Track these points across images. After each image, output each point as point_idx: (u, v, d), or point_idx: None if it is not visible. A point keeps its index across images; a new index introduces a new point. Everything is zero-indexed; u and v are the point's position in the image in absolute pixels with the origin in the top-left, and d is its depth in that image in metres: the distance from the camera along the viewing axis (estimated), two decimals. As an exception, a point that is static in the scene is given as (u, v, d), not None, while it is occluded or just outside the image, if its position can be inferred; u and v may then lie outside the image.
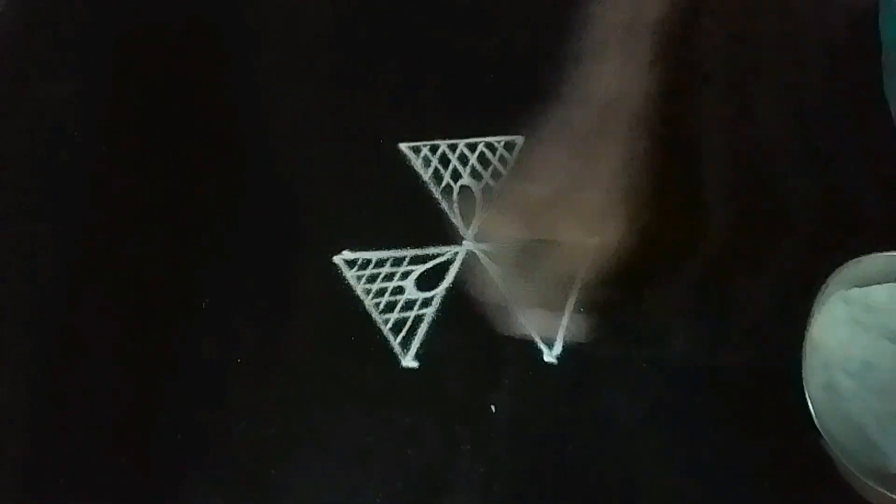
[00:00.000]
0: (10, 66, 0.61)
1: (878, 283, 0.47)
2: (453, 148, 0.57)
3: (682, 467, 0.47)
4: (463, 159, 0.57)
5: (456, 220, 0.55)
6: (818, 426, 0.42)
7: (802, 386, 0.43)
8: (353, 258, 0.53)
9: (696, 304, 0.51)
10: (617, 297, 0.52)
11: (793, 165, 0.57)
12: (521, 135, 0.58)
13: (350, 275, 0.52)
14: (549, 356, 0.49)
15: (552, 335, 0.50)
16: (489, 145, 0.57)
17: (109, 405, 0.48)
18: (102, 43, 0.62)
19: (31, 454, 0.47)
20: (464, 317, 0.51)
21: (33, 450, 0.47)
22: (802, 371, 0.43)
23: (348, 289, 0.52)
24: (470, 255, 0.53)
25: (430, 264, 0.53)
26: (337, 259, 0.53)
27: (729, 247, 0.54)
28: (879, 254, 0.45)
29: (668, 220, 0.55)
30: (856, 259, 0.45)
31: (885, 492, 0.40)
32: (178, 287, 0.52)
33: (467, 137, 0.57)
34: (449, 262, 0.53)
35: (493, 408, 0.48)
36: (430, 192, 0.56)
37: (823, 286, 0.45)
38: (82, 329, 0.50)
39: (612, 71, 0.49)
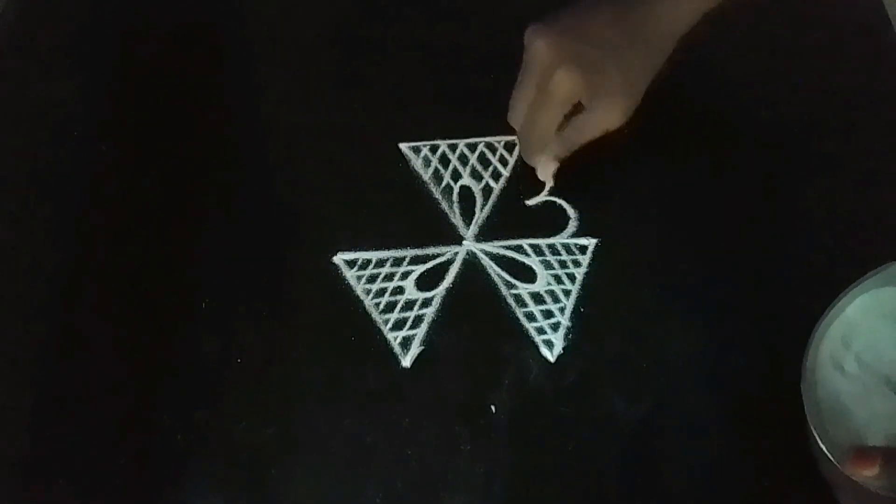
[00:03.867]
0: (10, 66, 0.61)
1: None
2: (453, 148, 0.57)
3: (682, 467, 0.47)
4: (463, 159, 0.57)
5: (456, 220, 0.55)
6: (802, 384, 0.42)
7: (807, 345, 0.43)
8: (353, 258, 0.53)
9: (696, 303, 0.51)
10: (617, 297, 0.52)
11: (798, 174, 0.57)
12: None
13: (350, 275, 0.52)
14: (550, 356, 0.49)
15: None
16: (489, 145, 0.58)
17: (109, 405, 0.48)
18: (102, 43, 0.62)
19: (31, 454, 0.47)
20: (464, 317, 0.51)
21: (33, 450, 0.47)
22: (815, 332, 0.43)
23: (348, 289, 0.52)
24: (470, 255, 0.53)
25: (430, 264, 0.53)
26: (337, 259, 0.53)
27: (730, 246, 0.54)
28: None
29: (668, 218, 0.55)
30: None
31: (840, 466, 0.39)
32: (178, 287, 0.52)
33: (467, 137, 0.57)
34: (449, 262, 0.53)
35: (493, 408, 0.48)
36: (430, 192, 0.56)
37: (876, 270, 0.44)
38: (82, 329, 0.50)
39: None
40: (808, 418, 0.41)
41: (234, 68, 0.62)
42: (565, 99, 0.49)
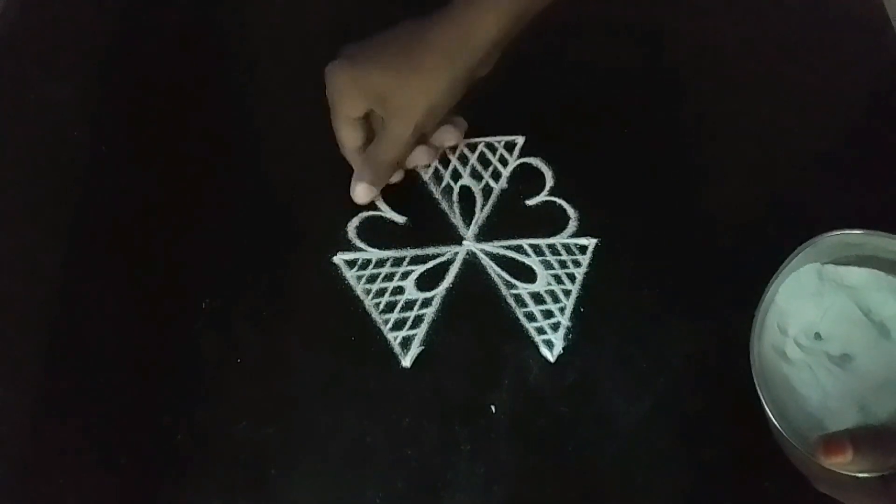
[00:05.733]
0: (10, 66, 0.61)
1: (855, 262, 0.46)
2: (453, 148, 0.57)
3: (681, 467, 0.47)
4: (463, 159, 0.57)
5: (456, 220, 0.55)
6: (756, 380, 0.42)
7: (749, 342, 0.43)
8: (353, 258, 0.53)
9: (696, 303, 0.51)
10: (617, 297, 0.52)
11: (798, 174, 0.57)
12: (521, 135, 0.58)
13: (350, 275, 0.52)
14: (550, 356, 0.49)
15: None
16: (489, 145, 0.58)
17: (109, 405, 0.48)
18: (102, 43, 0.62)
19: (31, 454, 0.47)
20: (464, 317, 0.51)
21: (33, 450, 0.47)
22: (753, 328, 0.43)
23: (348, 289, 0.52)
24: (470, 255, 0.53)
25: (430, 264, 0.53)
26: (337, 259, 0.53)
27: (730, 246, 0.54)
28: (855, 231, 0.44)
29: (668, 219, 0.55)
30: (833, 232, 0.44)
31: (809, 455, 0.39)
32: (178, 287, 0.52)
33: (467, 137, 0.57)
34: (449, 262, 0.53)
35: (493, 408, 0.48)
36: (430, 192, 0.56)
37: (794, 252, 0.44)
38: (82, 329, 0.50)
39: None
40: (768, 412, 0.41)
41: (234, 68, 0.61)
42: (348, 115, 0.51)
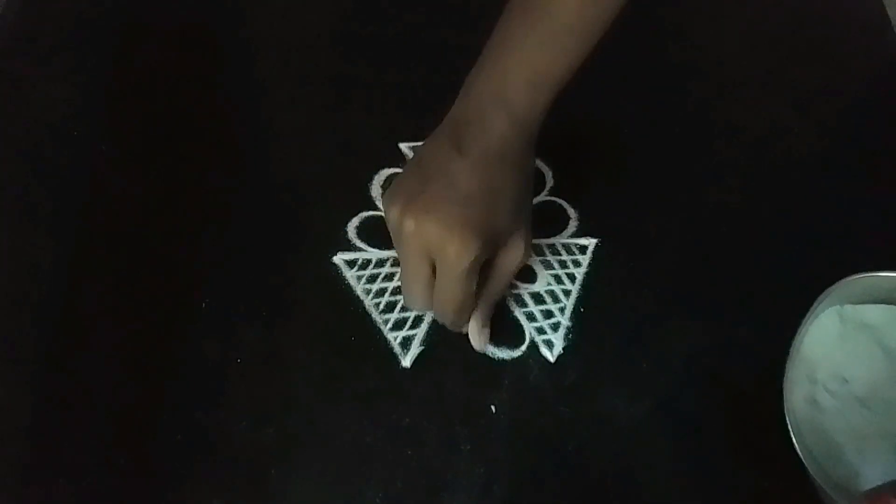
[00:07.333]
0: (10, 66, 0.61)
1: (873, 302, 0.46)
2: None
3: (682, 467, 0.47)
4: (463, 159, 0.57)
5: (456, 219, 0.55)
6: (794, 438, 0.42)
7: (783, 397, 0.43)
8: (353, 258, 0.53)
9: (696, 303, 0.51)
10: (617, 297, 0.52)
11: (798, 174, 0.57)
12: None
13: (350, 275, 0.52)
14: (549, 356, 0.49)
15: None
16: (489, 145, 0.57)
17: (109, 405, 0.48)
18: (102, 43, 0.62)
19: (31, 454, 0.46)
20: (464, 317, 0.51)
21: (33, 450, 0.47)
22: (785, 382, 0.43)
23: (348, 289, 0.52)
24: (470, 255, 0.53)
25: (430, 264, 0.53)
26: (337, 259, 0.53)
27: (729, 245, 0.54)
28: (877, 273, 0.45)
29: (668, 219, 0.55)
30: (853, 276, 0.45)
31: None
32: (178, 287, 0.52)
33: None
34: (449, 262, 0.53)
35: (493, 408, 0.48)
36: (430, 192, 0.56)
37: (818, 300, 0.44)
38: (82, 329, 0.50)
39: None
40: (807, 466, 0.41)
41: (234, 68, 0.62)
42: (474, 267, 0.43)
